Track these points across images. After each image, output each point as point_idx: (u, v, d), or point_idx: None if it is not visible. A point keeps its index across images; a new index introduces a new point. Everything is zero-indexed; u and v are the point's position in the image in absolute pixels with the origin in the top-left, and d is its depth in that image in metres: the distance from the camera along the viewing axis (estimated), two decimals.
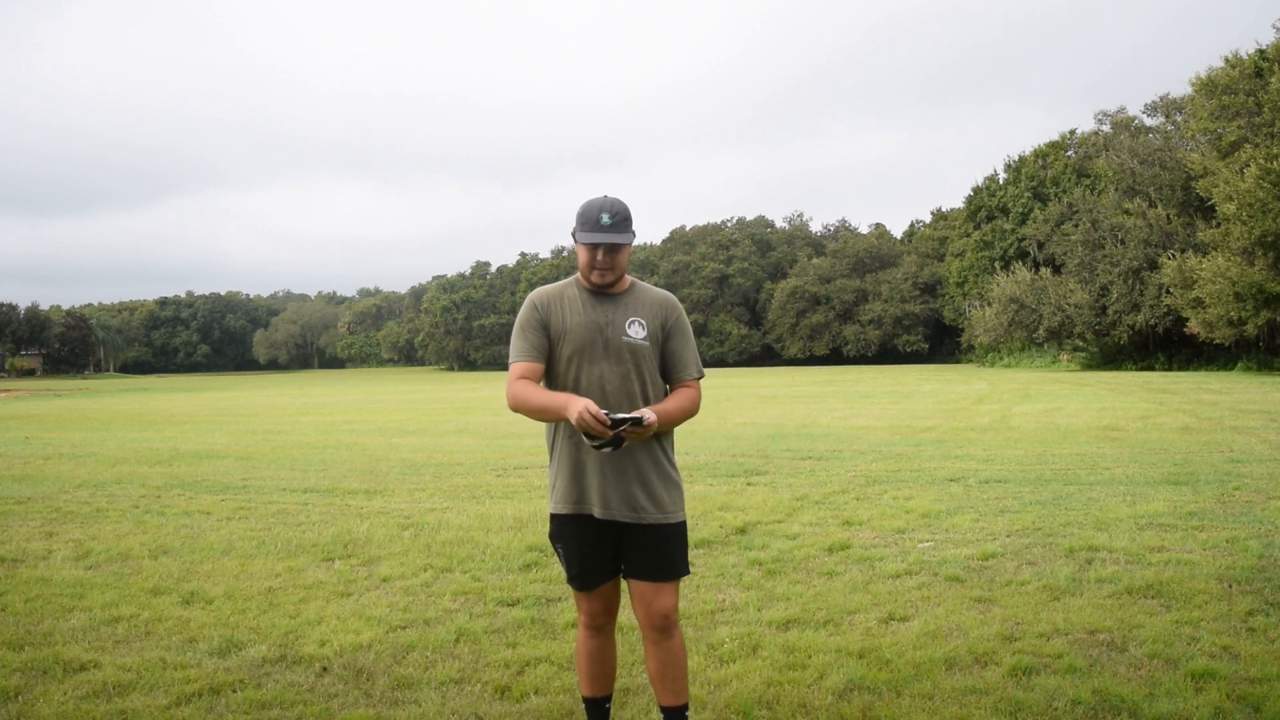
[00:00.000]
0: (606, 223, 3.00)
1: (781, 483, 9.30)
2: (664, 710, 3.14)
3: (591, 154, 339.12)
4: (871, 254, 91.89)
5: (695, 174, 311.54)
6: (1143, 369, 45.16)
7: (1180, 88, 64.24)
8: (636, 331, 3.10)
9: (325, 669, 4.13)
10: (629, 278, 3.21)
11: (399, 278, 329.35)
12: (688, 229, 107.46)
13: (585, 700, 3.30)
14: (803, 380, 41.50)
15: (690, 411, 3.15)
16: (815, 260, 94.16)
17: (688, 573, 3.17)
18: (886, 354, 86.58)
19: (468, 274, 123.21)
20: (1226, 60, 38.00)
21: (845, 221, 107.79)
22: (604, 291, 3.13)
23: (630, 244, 3.07)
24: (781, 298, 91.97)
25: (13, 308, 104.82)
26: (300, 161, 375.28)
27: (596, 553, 3.10)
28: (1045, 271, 51.60)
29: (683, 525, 3.14)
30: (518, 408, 3.05)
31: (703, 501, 8.18)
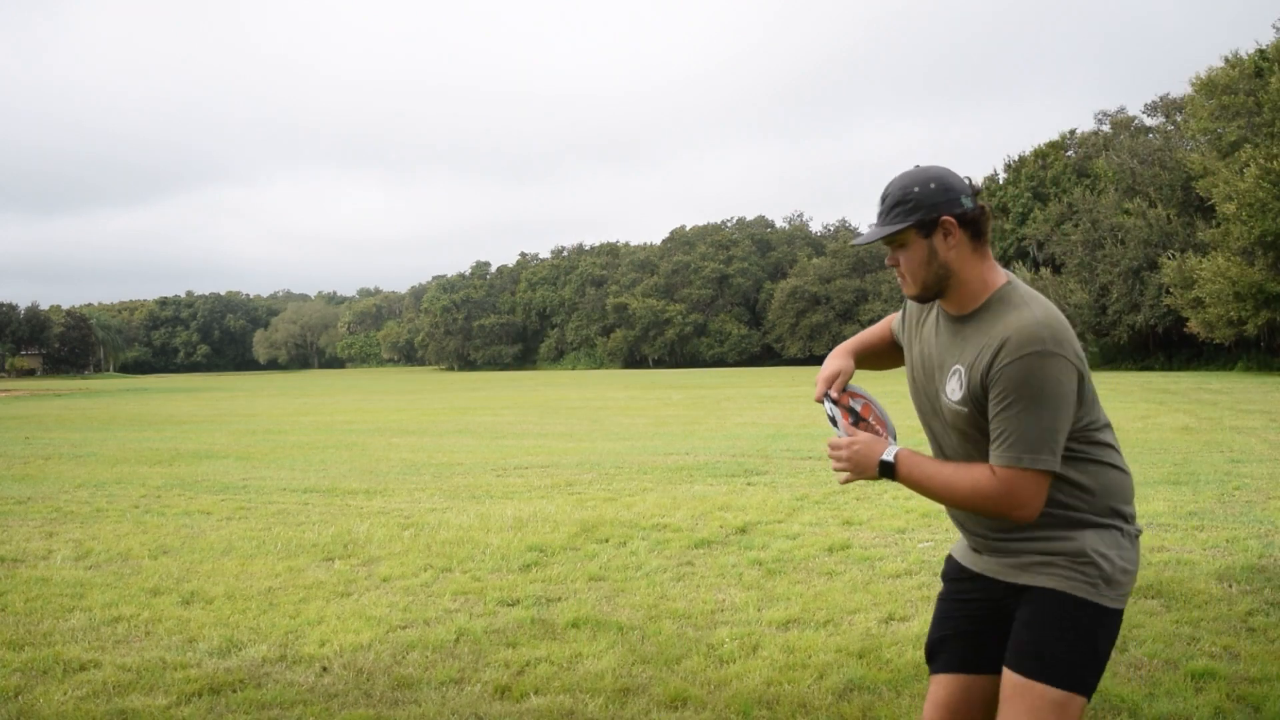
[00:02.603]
0: (880, 211, 2.13)
1: (781, 483, 9.30)
2: None
3: (593, 151, 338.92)
4: (872, 254, 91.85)
5: (697, 172, 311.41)
6: (1142, 369, 45.17)
7: (1180, 88, 64.25)
8: (953, 389, 2.10)
9: (325, 669, 4.13)
10: (997, 285, 2.11)
11: (399, 278, 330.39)
12: (688, 229, 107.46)
13: None
14: (803, 380, 41.48)
15: (966, 500, 2.05)
16: (815, 260, 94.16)
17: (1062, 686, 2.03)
18: None
19: (468, 274, 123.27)
20: (1226, 60, 38.03)
21: (845, 221, 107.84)
22: (952, 315, 2.15)
23: (926, 233, 2.06)
24: (781, 298, 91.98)
25: (13, 308, 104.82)
26: (301, 156, 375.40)
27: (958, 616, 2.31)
28: (1045, 271, 51.57)
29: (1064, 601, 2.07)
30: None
31: (703, 501, 8.18)
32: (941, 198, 2.07)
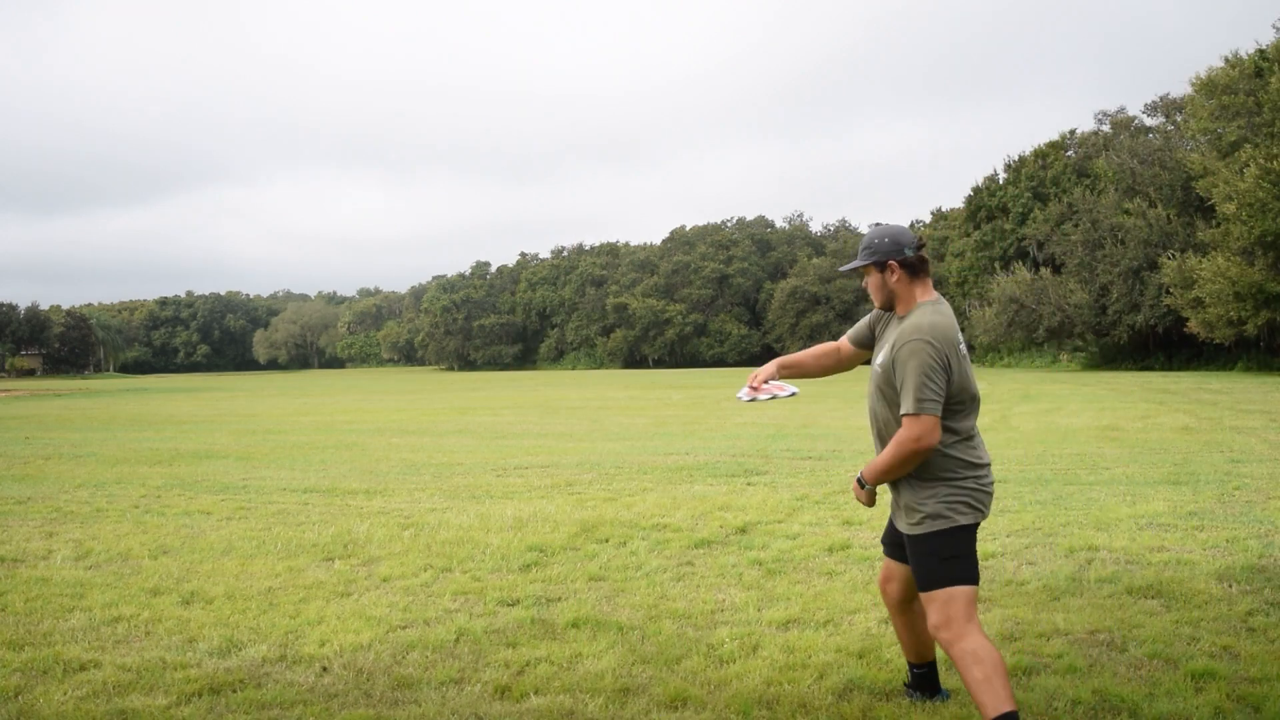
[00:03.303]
0: (859, 251, 3.37)
1: (781, 483, 9.30)
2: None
3: (593, 151, 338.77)
4: None
5: (697, 172, 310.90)
6: (1142, 369, 45.15)
7: (1180, 88, 64.26)
8: (880, 358, 3.30)
9: (325, 669, 4.13)
10: (920, 301, 3.26)
11: (399, 278, 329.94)
12: (688, 229, 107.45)
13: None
14: (803, 380, 41.40)
15: (898, 459, 3.15)
16: (815, 260, 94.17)
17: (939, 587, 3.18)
18: None
19: (468, 274, 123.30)
20: (1226, 60, 38.01)
21: (845, 221, 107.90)
22: (899, 315, 3.33)
23: (869, 265, 3.30)
24: (781, 298, 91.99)
25: (13, 308, 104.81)
26: (301, 156, 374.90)
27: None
28: (1045, 271, 51.55)
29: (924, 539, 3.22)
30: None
31: (703, 501, 8.18)
32: (891, 248, 3.25)
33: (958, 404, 3.17)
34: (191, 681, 3.97)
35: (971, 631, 3.09)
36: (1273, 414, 16.13)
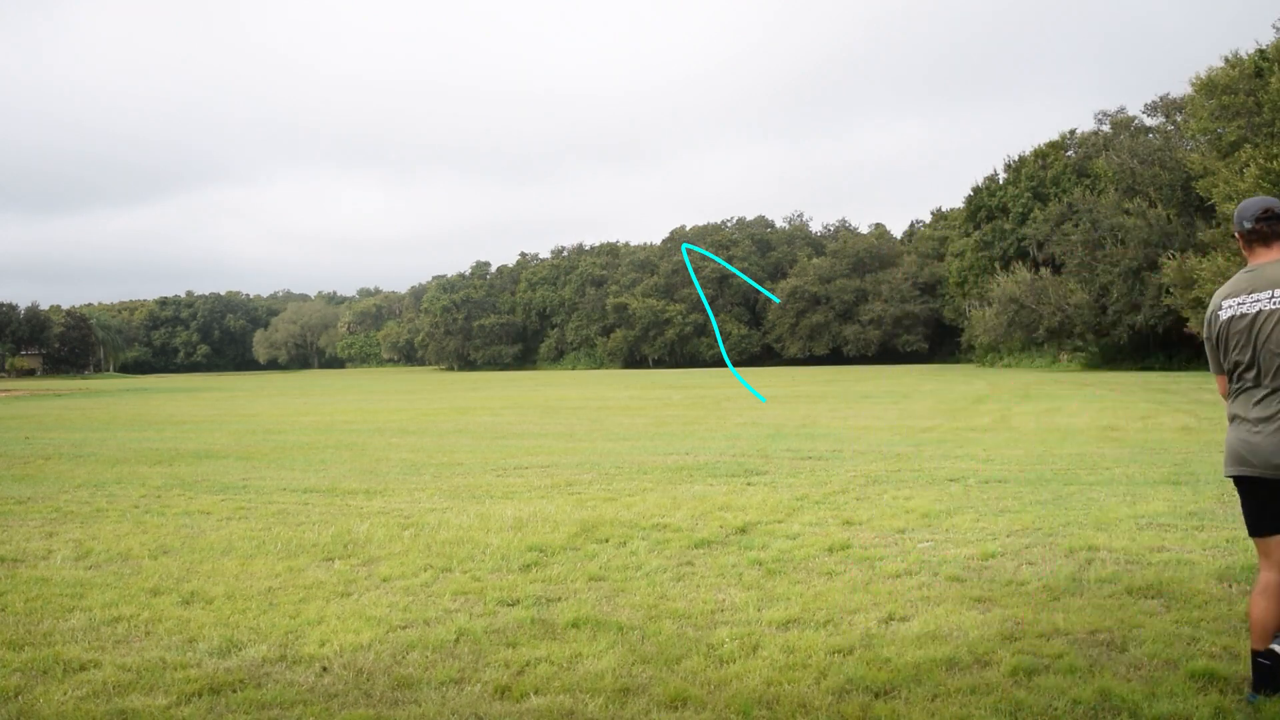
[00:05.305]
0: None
1: (781, 483, 9.30)
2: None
3: (593, 151, 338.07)
4: (871, 254, 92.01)
5: (697, 172, 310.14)
6: (1142, 369, 45.17)
7: (1180, 88, 64.22)
8: None
9: (325, 669, 4.13)
10: (1248, 265, 3.72)
11: (399, 278, 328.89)
12: (688, 229, 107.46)
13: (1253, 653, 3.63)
14: (803, 380, 41.49)
15: None
16: (815, 260, 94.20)
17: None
18: (886, 354, 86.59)
19: (468, 274, 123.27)
20: (1226, 60, 38.01)
21: (845, 221, 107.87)
22: None
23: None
24: (781, 298, 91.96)
25: (13, 308, 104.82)
26: (301, 156, 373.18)
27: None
28: (1045, 271, 51.58)
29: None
30: None
31: (703, 501, 8.18)
32: (1235, 221, 3.68)
33: (1229, 364, 3.63)
34: (191, 681, 3.97)
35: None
36: None
